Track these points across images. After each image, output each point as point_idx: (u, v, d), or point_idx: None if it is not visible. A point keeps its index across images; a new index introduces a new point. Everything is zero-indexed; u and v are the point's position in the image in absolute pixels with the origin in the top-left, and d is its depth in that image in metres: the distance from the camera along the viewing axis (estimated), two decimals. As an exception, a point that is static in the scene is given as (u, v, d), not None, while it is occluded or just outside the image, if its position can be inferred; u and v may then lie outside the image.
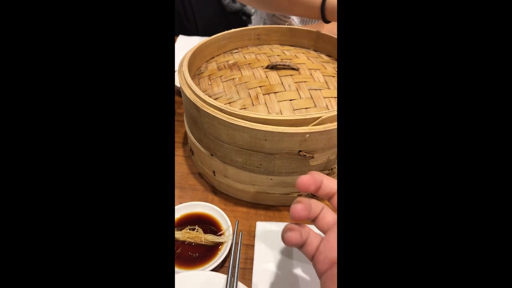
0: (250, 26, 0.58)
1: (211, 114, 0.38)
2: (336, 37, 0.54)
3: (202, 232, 0.42)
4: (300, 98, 0.43)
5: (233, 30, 0.57)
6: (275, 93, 0.43)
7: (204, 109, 0.39)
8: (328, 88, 0.45)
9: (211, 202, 0.46)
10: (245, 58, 0.53)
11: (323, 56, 0.55)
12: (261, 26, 0.58)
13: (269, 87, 0.44)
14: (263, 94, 0.43)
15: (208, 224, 0.44)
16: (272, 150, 0.38)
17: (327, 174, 0.43)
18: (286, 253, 0.40)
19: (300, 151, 0.38)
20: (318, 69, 0.49)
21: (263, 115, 0.37)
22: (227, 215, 0.44)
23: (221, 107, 0.38)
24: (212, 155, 0.44)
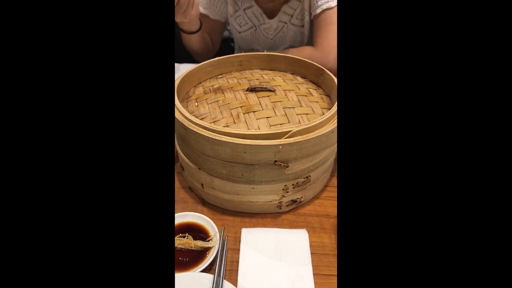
0: (233, 54, 0.65)
1: (197, 132, 0.43)
2: (310, 61, 0.61)
3: (192, 239, 0.46)
4: (276, 115, 0.49)
5: (218, 58, 0.63)
6: (254, 112, 0.49)
7: (191, 128, 0.44)
8: (301, 106, 0.51)
9: (201, 213, 0.50)
10: (228, 83, 0.59)
11: (298, 78, 0.62)
12: (243, 54, 0.65)
13: (248, 107, 0.50)
14: (243, 113, 0.49)
15: (197, 232, 0.48)
16: (251, 161, 0.44)
17: (303, 182, 0.48)
18: (270, 255, 0.45)
19: (275, 161, 0.43)
20: (292, 90, 0.55)
21: (242, 131, 0.42)
22: (215, 222, 0.48)
23: (205, 125, 0.43)
24: (199, 169, 0.49)
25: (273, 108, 0.50)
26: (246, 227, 0.49)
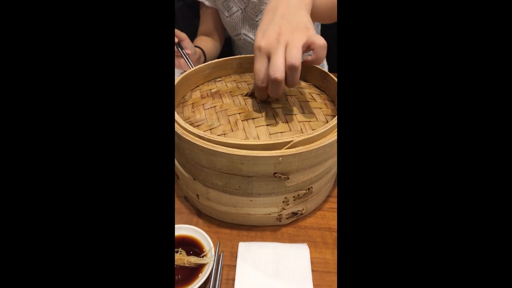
0: (233, 56, 0.62)
1: (191, 141, 0.41)
2: (313, 64, 0.58)
3: (185, 254, 0.43)
4: (276, 123, 0.46)
5: (216, 60, 0.61)
6: (253, 119, 0.46)
7: (185, 136, 0.41)
8: (303, 113, 0.48)
9: (196, 225, 0.48)
10: (227, 86, 0.56)
11: (301, 81, 0.59)
12: (243, 55, 0.62)
13: (247, 113, 0.47)
14: (242, 120, 0.46)
15: (191, 246, 0.45)
16: (249, 173, 0.41)
17: (304, 194, 0.45)
18: (268, 273, 0.42)
19: (275, 173, 0.40)
20: (294, 95, 0.52)
21: (239, 140, 0.39)
22: (210, 236, 0.45)
23: (200, 134, 0.41)
24: (194, 179, 0.47)
25: (273, 115, 0.47)
26: (243, 240, 0.47)
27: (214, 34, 0.98)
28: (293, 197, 0.45)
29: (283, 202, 0.45)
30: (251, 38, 0.93)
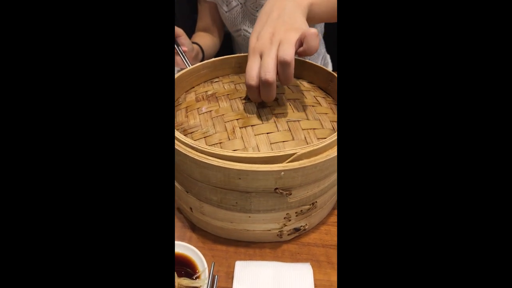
0: (231, 55, 0.58)
1: (182, 152, 0.36)
2: (319, 65, 0.53)
3: (176, 276, 0.39)
4: (278, 130, 0.41)
5: (213, 59, 0.56)
6: (252, 126, 0.42)
7: (176, 147, 0.37)
8: (307, 119, 0.44)
9: (189, 240, 0.44)
10: (224, 88, 0.52)
11: (305, 83, 0.54)
12: (241, 54, 0.57)
13: (246, 119, 0.43)
14: (240, 128, 0.42)
15: (183, 266, 0.41)
16: (247, 189, 0.37)
17: (308, 209, 0.41)
18: (267, 296, 0.38)
19: (276, 188, 0.36)
20: (298, 99, 0.47)
21: (236, 152, 0.35)
22: (205, 254, 0.41)
23: (192, 144, 0.36)
24: (187, 192, 0.42)
25: (274, 122, 0.43)
26: (241, 258, 0.43)
27: (213, 30, 0.93)
28: (296, 212, 0.41)
29: (284, 218, 0.41)
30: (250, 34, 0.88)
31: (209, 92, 0.51)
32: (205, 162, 0.35)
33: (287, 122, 0.43)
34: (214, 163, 0.35)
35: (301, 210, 0.41)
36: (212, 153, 0.35)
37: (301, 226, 0.43)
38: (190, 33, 0.89)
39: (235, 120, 0.43)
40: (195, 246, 0.42)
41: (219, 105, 0.47)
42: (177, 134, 0.38)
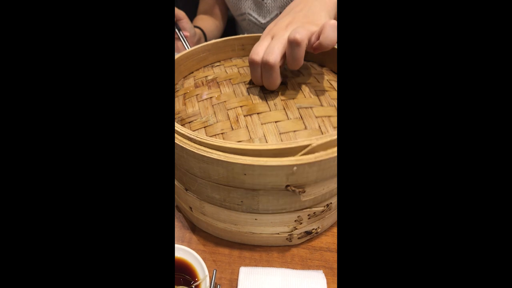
0: (234, 36, 0.52)
1: (179, 145, 0.31)
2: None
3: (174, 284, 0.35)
4: (288, 118, 0.36)
5: (214, 40, 0.51)
6: (258, 113, 0.37)
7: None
8: (321, 105, 0.38)
9: (189, 242, 0.39)
10: (226, 73, 0.46)
11: (316, 66, 0.49)
12: (246, 35, 0.51)
13: (251, 106, 0.38)
14: (244, 116, 0.37)
15: (181, 272, 0.37)
16: (254, 186, 0.32)
17: (322, 211, 0.36)
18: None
19: (288, 185, 0.31)
20: (309, 83, 0.42)
21: (240, 144, 0.30)
22: (206, 258, 0.37)
23: (190, 135, 0.31)
24: (186, 190, 0.38)
25: (284, 109, 0.37)
26: (245, 264, 0.38)
27: (216, 12, 0.87)
28: (308, 215, 0.36)
29: (295, 221, 0.36)
30: (256, 19, 0.82)
31: (210, 77, 0.46)
32: (205, 156, 0.30)
33: (298, 109, 0.37)
34: (215, 156, 0.30)
35: (314, 213, 0.36)
36: (213, 145, 0.30)
37: (313, 229, 0.38)
38: (191, 16, 0.83)
39: (239, 108, 0.38)
40: (195, 250, 0.37)
41: (220, 90, 0.42)
42: (175, 124, 0.33)
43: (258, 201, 0.33)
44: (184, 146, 0.31)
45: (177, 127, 0.32)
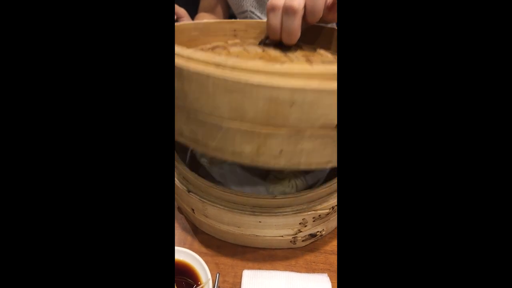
0: (227, 19, 0.47)
1: (203, 74, 0.23)
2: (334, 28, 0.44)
3: (175, 287, 0.34)
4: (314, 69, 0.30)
5: (206, 20, 0.46)
6: (281, 64, 0.29)
7: (190, 69, 0.23)
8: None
9: (191, 245, 0.38)
10: (227, 43, 0.42)
11: (322, 51, 0.45)
12: (240, 20, 0.47)
13: (270, 59, 0.33)
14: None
15: (184, 275, 0.36)
16: (300, 124, 0.24)
17: (327, 214, 0.36)
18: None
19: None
20: (329, 50, 0.39)
21: (285, 67, 0.22)
22: (208, 261, 0.36)
23: (218, 61, 0.22)
24: (189, 191, 0.36)
25: (307, 62, 0.33)
26: (249, 267, 0.38)
27: (217, 10, 0.82)
28: (313, 217, 0.35)
29: (300, 224, 0.35)
30: (258, 17, 0.76)
31: (209, 46, 0.41)
32: (241, 83, 0.22)
33: (322, 63, 0.33)
34: (256, 81, 0.22)
35: (319, 215, 0.35)
36: (250, 69, 0.22)
37: (318, 231, 0.38)
38: (192, 14, 0.79)
39: (258, 60, 0.30)
40: (197, 252, 0.36)
41: (229, 51, 0.37)
42: (191, 53, 0.23)
43: (301, 150, 0.25)
44: (211, 74, 0.22)
45: (199, 54, 0.23)
